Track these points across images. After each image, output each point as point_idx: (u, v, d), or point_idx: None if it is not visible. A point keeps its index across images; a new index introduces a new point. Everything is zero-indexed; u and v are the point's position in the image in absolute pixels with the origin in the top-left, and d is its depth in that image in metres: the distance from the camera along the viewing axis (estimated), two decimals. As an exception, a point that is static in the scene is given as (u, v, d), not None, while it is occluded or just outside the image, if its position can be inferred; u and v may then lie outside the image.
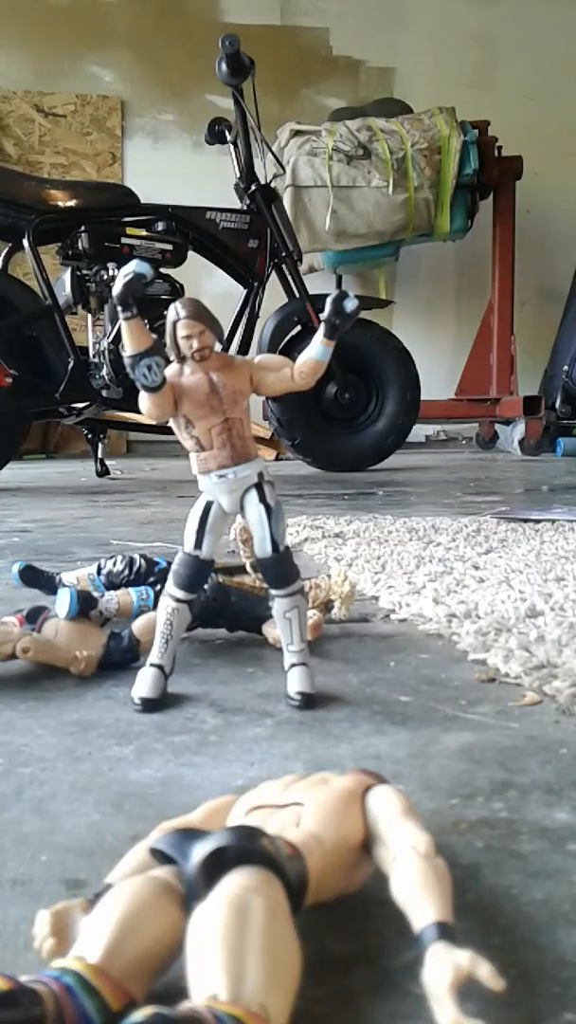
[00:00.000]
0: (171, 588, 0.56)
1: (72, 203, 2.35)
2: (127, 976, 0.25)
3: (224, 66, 2.47)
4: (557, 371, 4.12)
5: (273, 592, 0.55)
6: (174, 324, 0.50)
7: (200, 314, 0.50)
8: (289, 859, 0.29)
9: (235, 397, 0.52)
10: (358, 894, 0.34)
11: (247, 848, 0.28)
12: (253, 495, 0.54)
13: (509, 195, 4.00)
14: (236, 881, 0.27)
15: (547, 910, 0.33)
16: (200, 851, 0.28)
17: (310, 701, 0.55)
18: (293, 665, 0.56)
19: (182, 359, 0.51)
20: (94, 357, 2.45)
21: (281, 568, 0.54)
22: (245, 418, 0.54)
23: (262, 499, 0.53)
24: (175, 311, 0.50)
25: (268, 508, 0.53)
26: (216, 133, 2.66)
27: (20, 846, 0.38)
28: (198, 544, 0.55)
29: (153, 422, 0.63)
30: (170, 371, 0.52)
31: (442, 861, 0.30)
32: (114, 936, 0.26)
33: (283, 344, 2.58)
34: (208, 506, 0.55)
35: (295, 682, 0.55)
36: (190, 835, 0.29)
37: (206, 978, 0.24)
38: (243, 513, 0.54)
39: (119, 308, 0.50)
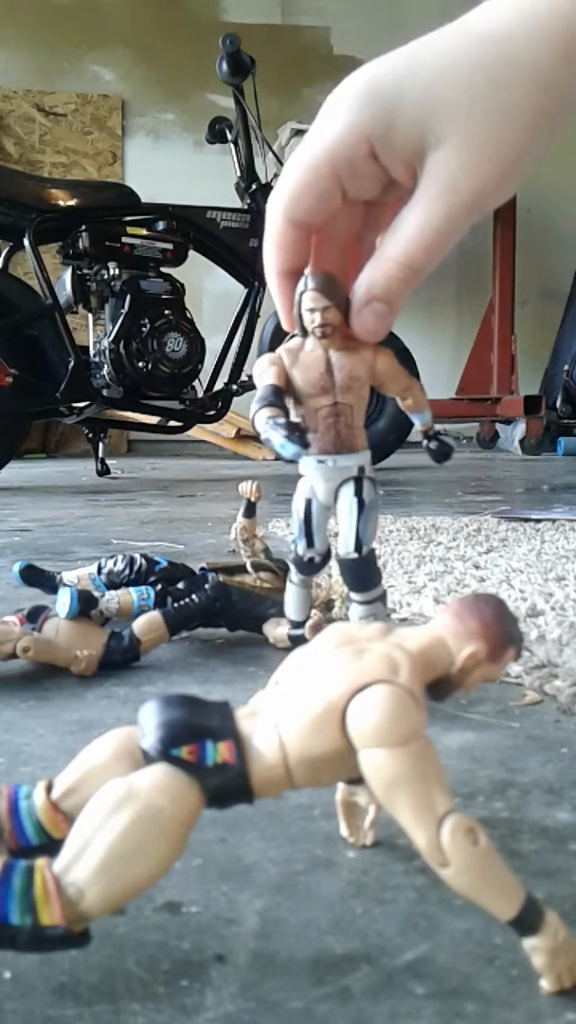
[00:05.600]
0: (296, 575, 0.54)
1: (73, 202, 2.35)
2: (75, 812, 0.29)
3: (225, 65, 2.47)
4: (558, 370, 4.12)
5: (352, 596, 0.51)
6: (300, 295, 0.45)
7: (328, 289, 0.45)
8: (221, 767, 0.27)
9: (350, 382, 0.47)
10: (358, 893, 0.34)
11: (164, 751, 0.27)
12: (349, 487, 0.49)
13: (510, 194, 3.99)
14: (136, 777, 0.27)
15: (548, 910, 0.33)
16: (145, 738, 0.28)
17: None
18: None
19: (304, 333, 0.47)
20: (95, 356, 2.45)
21: (362, 571, 0.50)
22: (358, 406, 0.48)
23: (358, 492, 0.49)
24: (304, 282, 0.45)
25: (361, 503, 0.49)
26: (217, 132, 2.66)
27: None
28: (310, 543, 0.51)
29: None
30: (290, 344, 0.47)
31: (462, 851, 0.27)
32: (72, 780, 0.30)
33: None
34: (308, 504, 0.50)
35: None
36: (169, 706, 0.29)
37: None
38: (335, 505, 0.50)
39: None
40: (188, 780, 0.27)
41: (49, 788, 0.30)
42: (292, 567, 0.54)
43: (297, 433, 0.42)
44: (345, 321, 0.45)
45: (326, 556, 0.52)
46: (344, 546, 0.50)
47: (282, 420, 0.43)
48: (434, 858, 0.27)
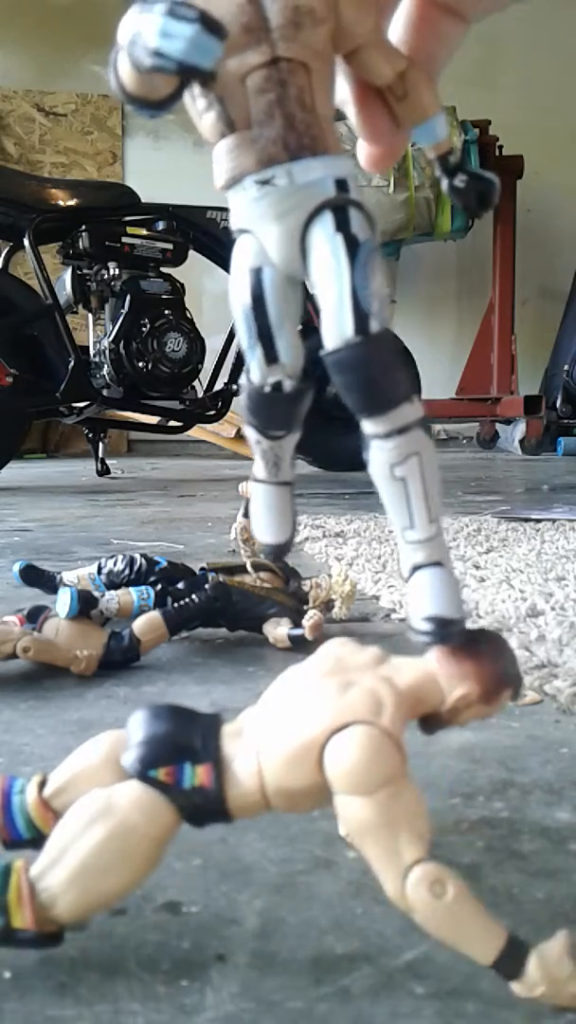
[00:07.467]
0: (254, 432, 0.33)
1: (73, 202, 2.35)
2: (64, 811, 0.29)
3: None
4: (558, 370, 4.12)
5: (365, 428, 0.29)
6: None
7: None
8: (197, 790, 0.28)
9: (297, 16, 0.27)
10: (358, 893, 0.34)
11: (142, 772, 0.28)
12: (325, 221, 0.28)
13: (510, 194, 3.99)
14: (116, 791, 0.28)
15: (548, 910, 0.33)
16: (126, 754, 0.29)
17: (448, 630, 0.28)
18: (418, 567, 0.29)
19: None
20: (95, 356, 2.45)
21: (374, 370, 0.28)
22: (320, 71, 0.28)
23: (341, 226, 0.28)
24: None
25: (352, 242, 0.27)
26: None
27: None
28: (271, 354, 0.30)
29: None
30: None
31: (450, 895, 0.26)
32: (63, 780, 0.30)
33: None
34: (258, 277, 0.29)
35: (424, 599, 0.29)
36: (156, 719, 0.29)
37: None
38: (305, 260, 0.28)
39: None
40: (164, 800, 0.28)
41: (43, 784, 0.31)
42: (246, 422, 0.33)
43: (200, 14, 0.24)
44: None
45: (303, 380, 0.31)
46: (337, 327, 0.28)
47: None
48: (399, 905, 0.27)
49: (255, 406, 0.31)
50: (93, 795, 0.28)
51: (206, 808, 0.28)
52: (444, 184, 0.30)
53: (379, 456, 0.29)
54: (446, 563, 0.29)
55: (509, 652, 0.29)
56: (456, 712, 0.29)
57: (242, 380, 0.31)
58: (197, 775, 0.28)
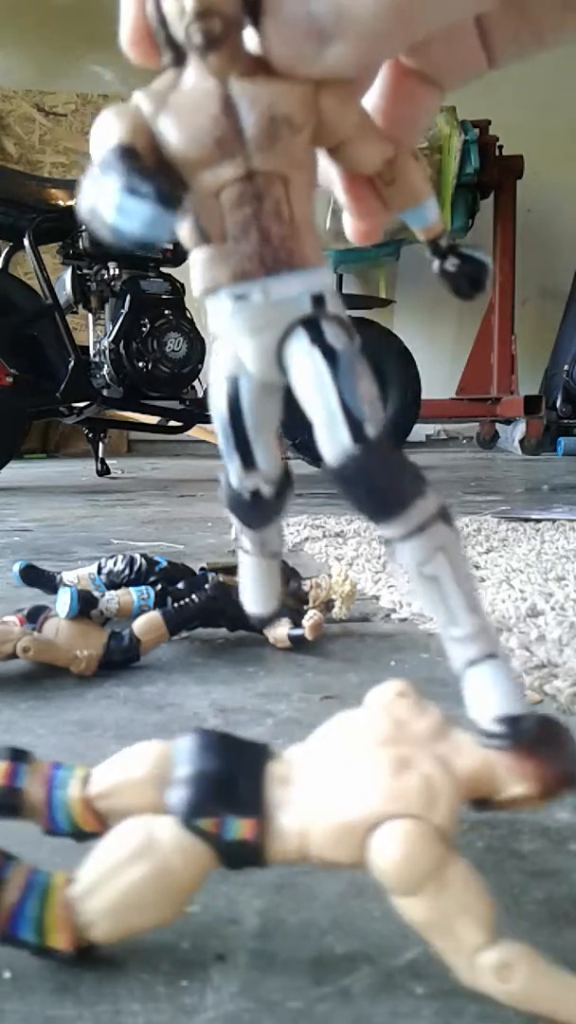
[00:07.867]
0: (236, 522, 0.34)
1: (73, 202, 2.35)
2: (107, 815, 0.30)
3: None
4: (558, 370, 4.12)
5: (383, 532, 0.29)
6: None
7: None
8: (239, 843, 0.28)
9: (274, 127, 0.26)
10: (358, 894, 0.34)
11: (187, 820, 0.28)
12: (300, 337, 0.27)
13: (510, 194, 3.99)
14: (158, 828, 0.28)
15: (548, 910, 0.33)
16: (174, 792, 0.29)
17: (519, 728, 0.27)
18: (473, 662, 0.28)
19: (177, 55, 0.26)
20: (95, 356, 2.45)
21: (378, 477, 0.27)
22: (299, 180, 0.27)
23: (316, 339, 0.27)
24: None
25: (330, 353, 0.27)
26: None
27: (20, 848, 0.38)
28: (248, 461, 0.30)
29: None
30: (155, 84, 0.26)
31: (519, 979, 0.26)
32: (106, 786, 0.30)
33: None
34: (234, 387, 0.29)
35: (489, 698, 0.28)
36: (205, 752, 0.29)
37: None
38: (282, 378, 0.28)
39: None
40: (205, 847, 0.28)
41: (86, 779, 0.31)
42: (231, 519, 0.33)
43: (156, 181, 0.24)
44: (253, 21, 0.25)
45: (283, 486, 0.31)
46: (332, 440, 0.27)
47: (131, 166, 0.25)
48: (476, 989, 0.26)
49: (234, 507, 0.32)
50: (136, 825, 0.28)
51: (246, 859, 0.28)
52: (435, 266, 0.30)
53: (404, 558, 0.29)
54: (499, 653, 0.28)
55: (573, 747, 0.28)
56: (510, 805, 0.28)
57: (221, 481, 0.31)
58: (241, 829, 0.28)
